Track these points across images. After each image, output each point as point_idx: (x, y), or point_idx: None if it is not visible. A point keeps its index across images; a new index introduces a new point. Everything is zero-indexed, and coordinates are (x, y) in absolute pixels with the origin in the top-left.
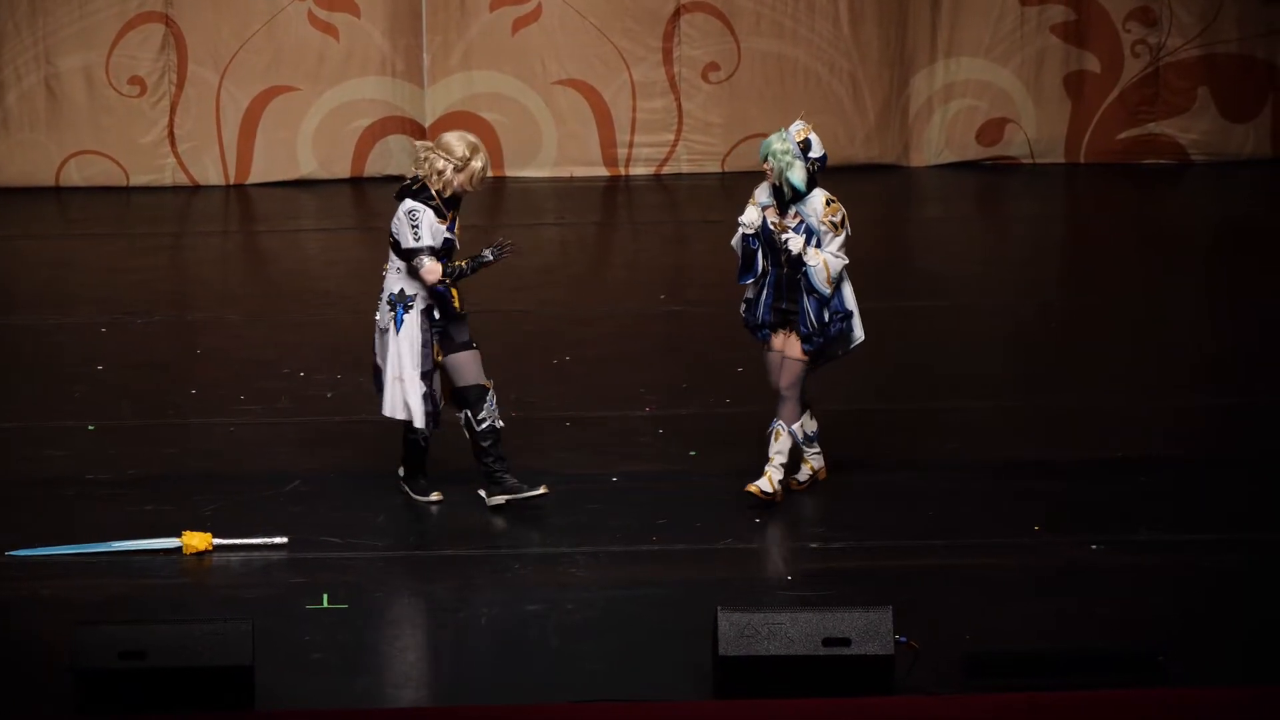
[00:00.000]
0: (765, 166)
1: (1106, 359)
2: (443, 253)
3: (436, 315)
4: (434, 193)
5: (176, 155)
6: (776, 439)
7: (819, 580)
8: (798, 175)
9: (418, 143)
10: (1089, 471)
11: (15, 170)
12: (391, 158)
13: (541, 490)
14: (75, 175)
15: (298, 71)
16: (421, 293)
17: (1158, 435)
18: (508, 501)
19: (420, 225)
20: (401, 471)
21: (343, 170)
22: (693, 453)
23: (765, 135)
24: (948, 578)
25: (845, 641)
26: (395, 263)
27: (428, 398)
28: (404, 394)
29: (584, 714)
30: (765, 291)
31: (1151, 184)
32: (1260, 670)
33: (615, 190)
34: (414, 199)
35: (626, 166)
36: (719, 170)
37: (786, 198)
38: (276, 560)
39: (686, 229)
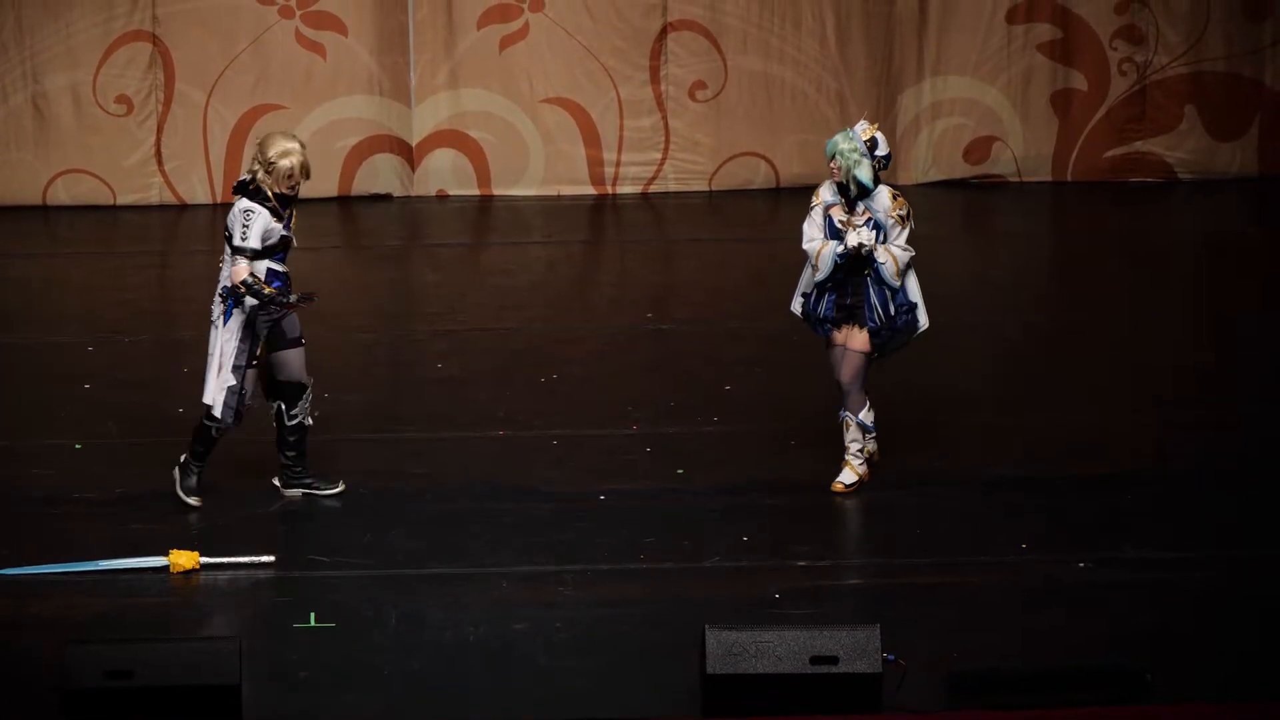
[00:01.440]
0: (832, 165)
1: (1093, 376)
2: (279, 248)
3: (256, 307)
4: (269, 193)
5: (164, 174)
6: (847, 429)
7: (806, 598)
8: (865, 173)
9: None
10: (1076, 488)
11: (2, 189)
12: (378, 176)
13: (339, 488)
14: (63, 194)
15: (285, 90)
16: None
17: (1145, 451)
18: (304, 495)
19: (251, 226)
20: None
21: (330, 189)
22: (680, 471)
23: (753, 154)
24: (935, 596)
25: (833, 659)
26: (230, 253)
27: (234, 392)
28: (217, 383)
29: None
30: (830, 289)
31: (1138, 202)
32: (1247, 687)
33: (602, 209)
34: (250, 199)
35: (614, 185)
36: (706, 189)
37: (854, 194)
38: (264, 579)
39: (674, 247)
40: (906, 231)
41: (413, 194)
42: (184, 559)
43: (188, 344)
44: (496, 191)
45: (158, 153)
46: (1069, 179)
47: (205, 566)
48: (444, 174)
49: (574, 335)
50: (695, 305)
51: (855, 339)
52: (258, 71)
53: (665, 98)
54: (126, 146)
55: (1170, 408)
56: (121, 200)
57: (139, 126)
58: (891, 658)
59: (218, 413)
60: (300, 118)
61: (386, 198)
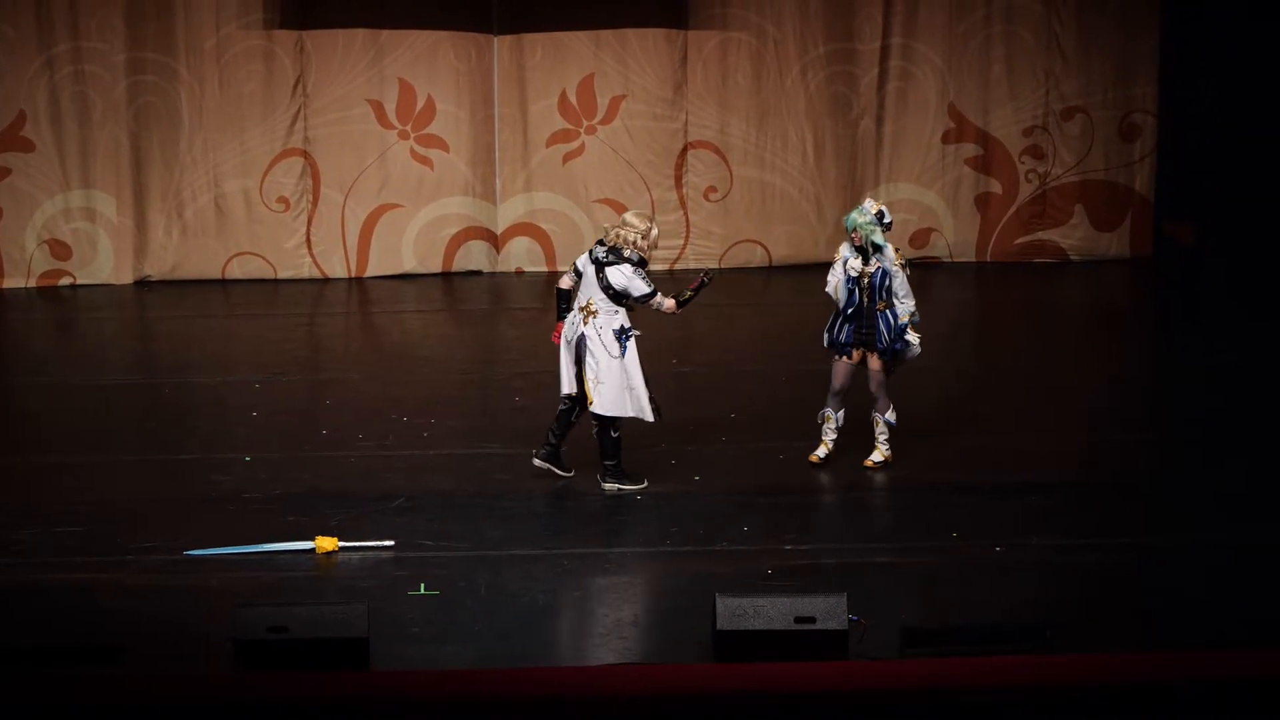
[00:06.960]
0: (854, 235)
1: (1008, 407)
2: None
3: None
4: (636, 257)
5: (312, 255)
6: (826, 423)
7: (791, 573)
8: (879, 238)
9: (606, 224)
10: (995, 491)
11: (192, 266)
12: (472, 257)
13: (644, 485)
14: (236, 270)
15: (402, 193)
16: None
17: (1050, 464)
18: (618, 490)
19: (646, 278)
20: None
21: (435, 267)
22: (697, 477)
23: (751, 241)
24: (888, 571)
25: (811, 619)
26: (610, 307)
27: (653, 399)
28: (636, 399)
29: (616, 673)
30: (849, 320)
31: (1041, 277)
32: (1121, 642)
33: None
34: (626, 263)
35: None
36: (717, 267)
37: (871, 253)
38: (386, 559)
39: (691, 311)
40: (906, 274)
41: (497, 270)
42: (326, 543)
43: (330, 382)
44: (560, 269)
45: (308, 239)
46: (988, 260)
47: (342, 549)
48: (521, 255)
49: None
50: (709, 353)
51: (873, 360)
52: (382, 179)
53: (686, 198)
54: (284, 234)
55: (1069, 431)
56: (281, 275)
57: (294, 220)
58: (855, 618)
59: (650, 418)
60: (413, 214)
61: (478, 273)
